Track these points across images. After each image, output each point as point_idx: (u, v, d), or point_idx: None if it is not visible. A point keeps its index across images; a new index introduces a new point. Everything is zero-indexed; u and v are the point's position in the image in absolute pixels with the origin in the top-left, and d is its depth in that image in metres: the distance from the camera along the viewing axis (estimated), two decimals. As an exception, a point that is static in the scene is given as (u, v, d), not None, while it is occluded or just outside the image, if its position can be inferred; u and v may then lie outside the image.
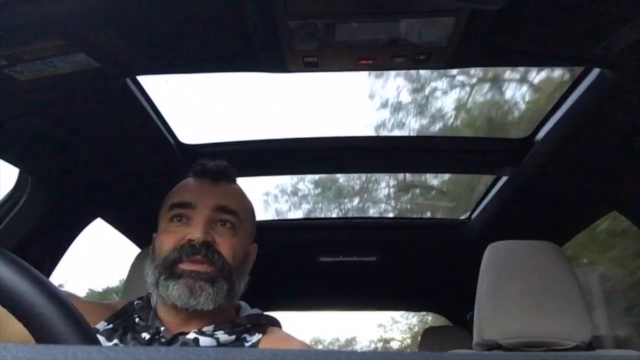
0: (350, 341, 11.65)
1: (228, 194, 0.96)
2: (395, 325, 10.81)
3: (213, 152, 1.61)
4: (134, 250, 1.81)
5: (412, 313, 8.82)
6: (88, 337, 0.41)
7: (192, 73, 1.27)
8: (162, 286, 0.88)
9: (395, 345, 10.85)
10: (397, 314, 10.34)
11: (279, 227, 2.33)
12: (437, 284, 2.62)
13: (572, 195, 1.59)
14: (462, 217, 2.21)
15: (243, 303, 1.00)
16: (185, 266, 0.87)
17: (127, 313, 0.94)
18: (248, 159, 1.67)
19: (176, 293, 0.86)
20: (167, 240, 0.90)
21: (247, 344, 0.89)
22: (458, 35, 0.95)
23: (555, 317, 1.23)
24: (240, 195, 1.00)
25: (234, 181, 1.01)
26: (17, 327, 0.42)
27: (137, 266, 1.44)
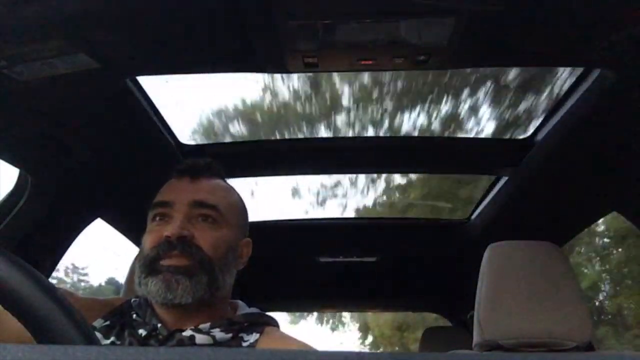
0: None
1: (207, 189, 0.95)
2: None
3: (213, 152, 1.62)
4: (133, 250, 1.82)
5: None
6: (87, 336, 0.41)
7: (192, 73, 1.28)
8: (143, 284, 0.89)
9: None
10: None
11: (279, 227, 2.33)
12: (437, 284, 2.62)
13: (572, 195, 1.59)
14: (462, 218, 2.21)
15: (241, 302, 1.00)
16: (164, 262, 0.88)
17: (124, 310, 0.94)
18: (248, 159, 1.67)
19: (154, 289, 0.86)
20: (148, 240, 0.91)
21: (244, 344, 0.89)
22: (458, 35, 0.95)
23: (555, 317, 1.23)
24: (222, 189, 0.99)
25: (219, 177, 1.01)
26: (16, 326, 0.42)
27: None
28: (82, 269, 9.70)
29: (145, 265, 0.89)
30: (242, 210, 1.02)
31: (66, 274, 8.55)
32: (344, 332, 12.81)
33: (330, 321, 12.04)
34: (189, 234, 0.89)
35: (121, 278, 1.74)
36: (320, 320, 11.80)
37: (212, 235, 0.91)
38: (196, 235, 0.90)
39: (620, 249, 7.90)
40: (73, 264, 8.99)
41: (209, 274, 0.89)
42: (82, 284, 9.79)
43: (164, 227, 0.90)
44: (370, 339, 12.44)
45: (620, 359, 0.62)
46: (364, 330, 12.38)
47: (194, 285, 0.87)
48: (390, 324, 10.67)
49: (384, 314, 9.60)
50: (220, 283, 0.91)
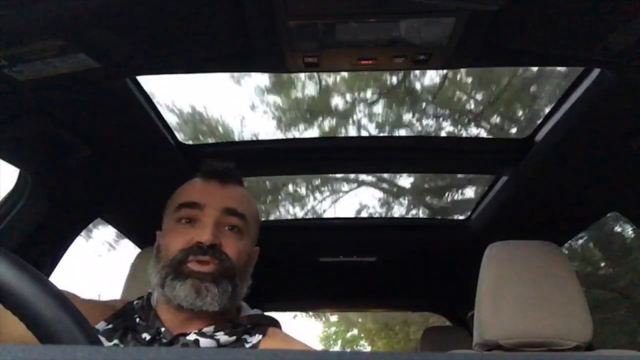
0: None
1: (237, 197, 0.95)
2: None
3: (213, 152, 1.62)
4: (133, 250, 1.82)
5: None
6: (89, 336, 0.41)
7: (192, 73, 1.27)
8: (168, 286, 0.87)
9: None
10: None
11: (279, 227, 2.33)
12: (437, 284, 2.62)
13: (572, 195, 1.59)
14: (462, 217, 2.22)
15: (243, 303, 1.00)
16: (193, 266, 0.87)
17: (127, 313, 0.94)
18: (248, 159, 1.67)
19: (182, 293, 0.86)
20: (174, 241, 0.90)
21: (247, 345, 0.89)
22: (458, 35, 0.95)
23: (555, 317, 1.23)
24: (248, 198, 0.99)
25: (242, 184, 1.01)
26: (18, 327, 0.42)
27: (137, 266, 1.44)
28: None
29: (172, 267, 0.88)
30: (259, 220, 1.02)
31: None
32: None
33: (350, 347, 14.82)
34: (219, 243, 0.89)
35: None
36: (342, 346, 14.66)
37: (237, 245, 0.91)
38: (224, 244, 0.89)
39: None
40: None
41: (232, 283, 0.89)
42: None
43: (192, 231, 0.89)
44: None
45: (620, 359, 0.62)
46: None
47: (221, 293, 0.87)
48: (384, 348, 11.31)
49: (381, 343, 11.19)
50: (240, 292, 0.92)
